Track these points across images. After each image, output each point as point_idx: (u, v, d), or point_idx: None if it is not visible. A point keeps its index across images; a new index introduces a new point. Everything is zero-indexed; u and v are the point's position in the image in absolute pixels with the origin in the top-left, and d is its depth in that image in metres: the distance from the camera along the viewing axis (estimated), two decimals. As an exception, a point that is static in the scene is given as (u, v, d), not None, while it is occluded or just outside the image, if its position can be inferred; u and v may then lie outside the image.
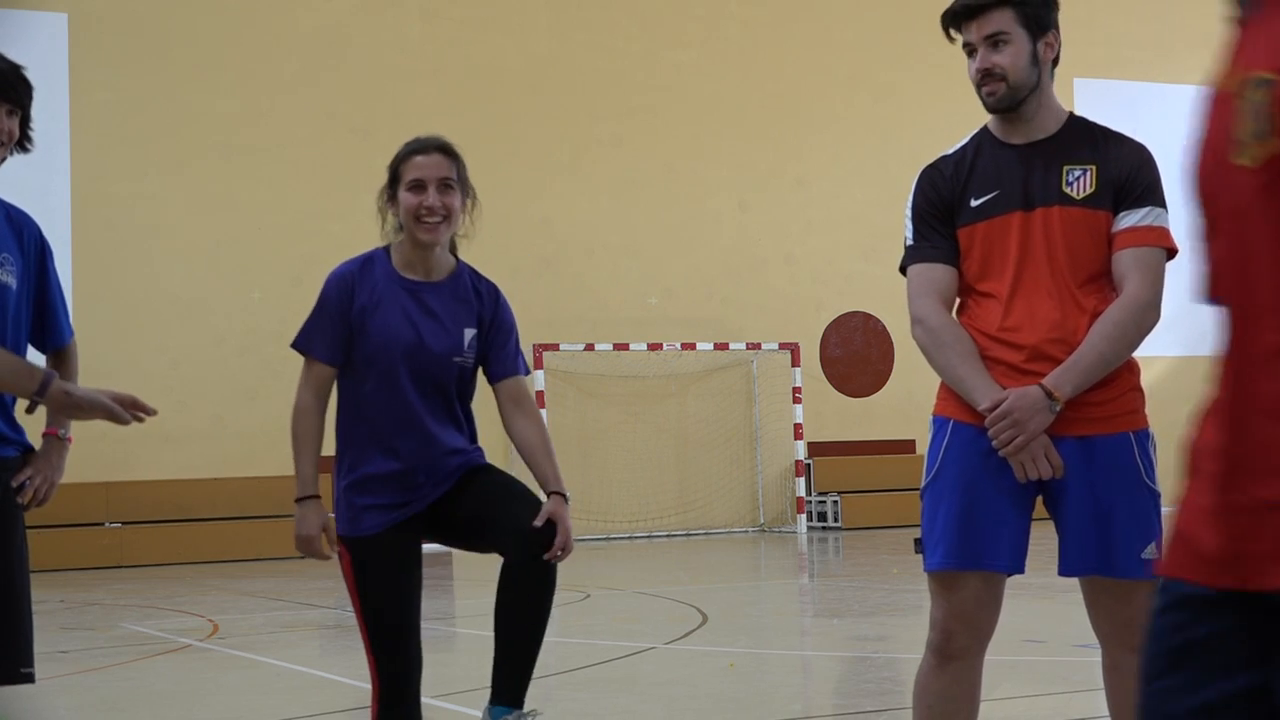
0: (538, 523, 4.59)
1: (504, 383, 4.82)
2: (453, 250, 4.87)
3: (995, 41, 4.33)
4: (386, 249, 4.78)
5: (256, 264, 22.63)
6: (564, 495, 4.72)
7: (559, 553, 4.63)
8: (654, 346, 24.16)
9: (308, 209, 22.84)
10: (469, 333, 4.70)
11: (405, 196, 4.64)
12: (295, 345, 4.78)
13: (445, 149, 4.70)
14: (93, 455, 19.48)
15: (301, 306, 20.47)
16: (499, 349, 4.77)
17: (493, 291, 4.85)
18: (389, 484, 4.69)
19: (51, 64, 20.90)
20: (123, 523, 21.17)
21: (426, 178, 4.62)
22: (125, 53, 22.31)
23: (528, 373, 4.92)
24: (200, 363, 22.23)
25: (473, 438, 4.87)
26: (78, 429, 5.03)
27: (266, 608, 14.69)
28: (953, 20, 4.40)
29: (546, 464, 4.79)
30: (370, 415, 4.68)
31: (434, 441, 4.70)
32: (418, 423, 4.67)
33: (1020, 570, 4.34)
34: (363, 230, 22.76)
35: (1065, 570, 4.34)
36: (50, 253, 4.96)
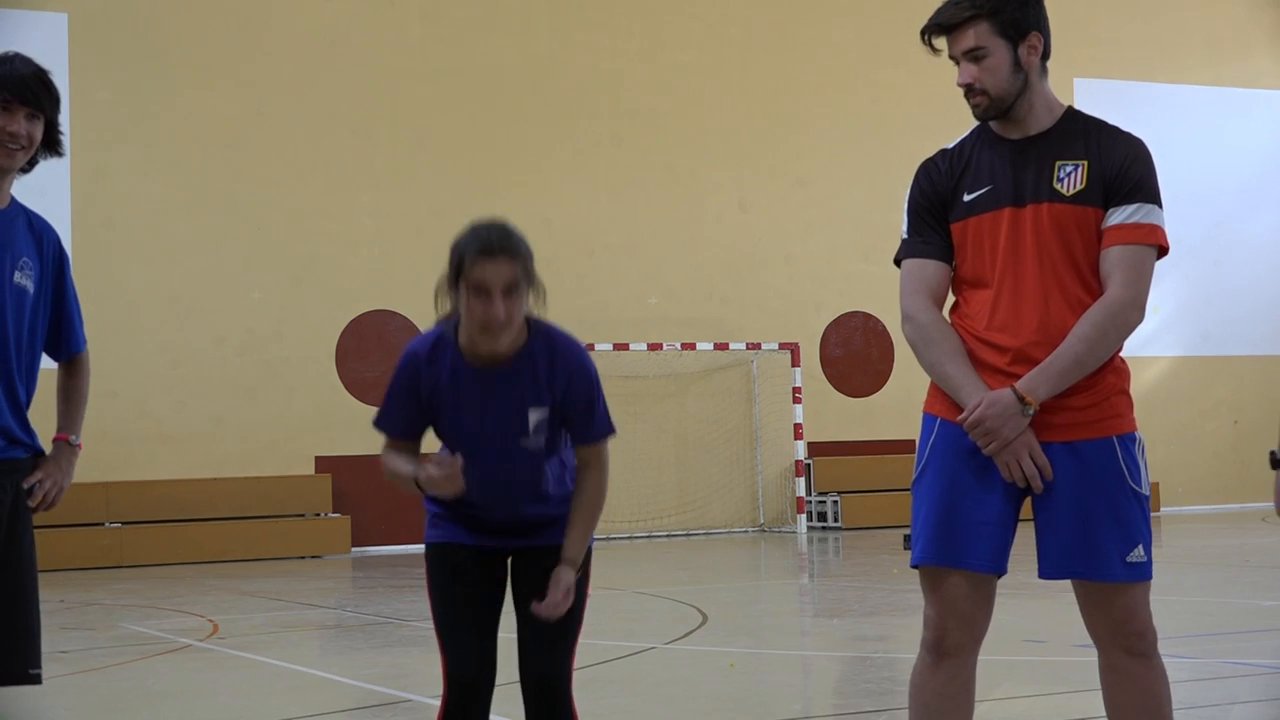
0: (542, 603, 4.57)
1: (579, 449, 4.73)
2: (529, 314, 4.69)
3: (973, 56, 4.34)
4: (455, 324, 4.61)
5: (256, 264, 22.62)
6: (573, 564, 4.63)
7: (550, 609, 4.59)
8: (654, 346, 24.17)
9: (307, 209, 22.84)
10: (535, 415, 4.59)
11: (470, 301, 4.44)
12: (375, 425, 4.72)
13: (511, 250, 4.44)
14: (93, 455, 19.45)
15: (301, 306, 20.31)
16: (573, 422, 4.67)
17: (567, 367, 4.63)
18: (459, 509, 4.69)
19: (52, 64, 20.78)
20: (122, 523, 21.17)
21: (491, 285, 4.42)
22: (125, 53, 22.32)
23: (607, 436, 4.73)
24: (200, 363, 22.23)
25: (566, 482, 4.77)
26: (77, 429, 5.07)
27: (266, 608, 14.69)
28: (929, 35, 4.43)
29: (573, 531, 4.67)
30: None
31: (513, 501, 4.67)
32: (492, 486, 4.63)
33: (1002, 571, 4.34)
34: (362, 230, 22.63)
35: (1045, 572, 4.34)
36: (68, 262, 5.06)
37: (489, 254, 4.40)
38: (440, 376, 4.59)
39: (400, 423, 4.66)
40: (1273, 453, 5.16)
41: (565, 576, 4.60)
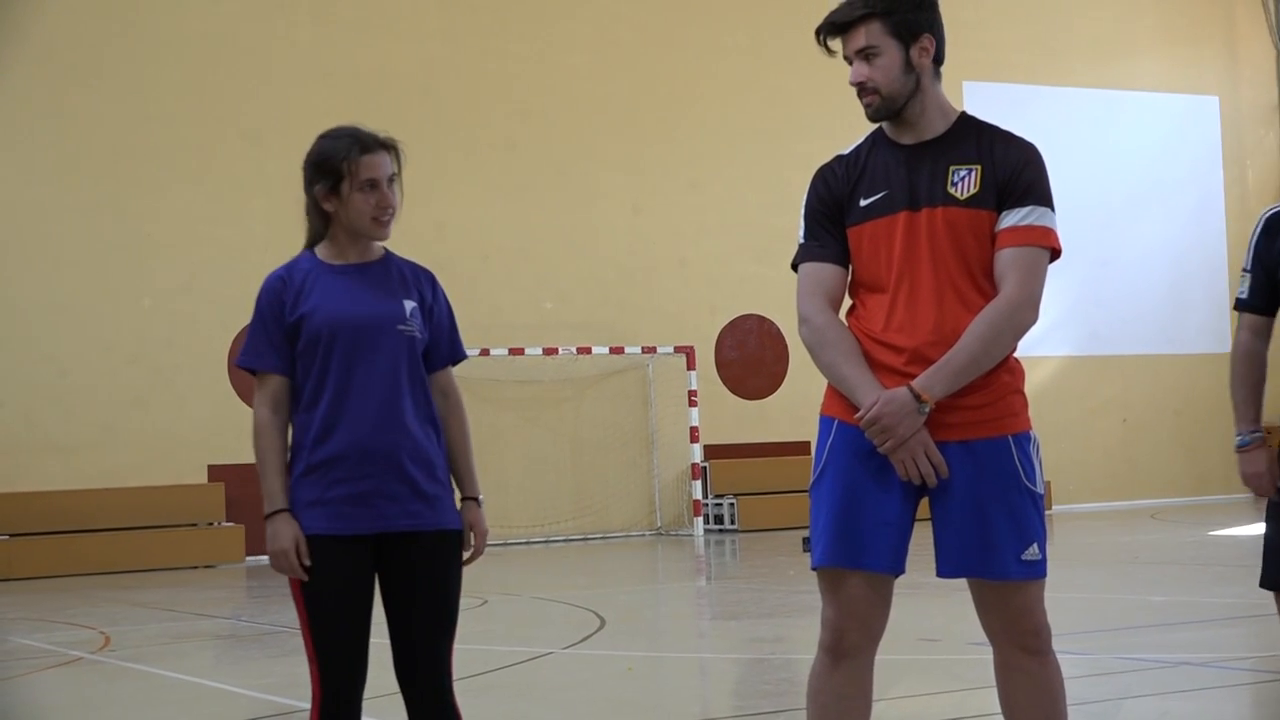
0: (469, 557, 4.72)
1: (435, 374, 4.76)
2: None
3: (865, 55, 4.37)
4: (311, 251, 4.71)
5: (146, 271, 22.33)
6: (477, 500, 4.74)
7: (477, 557, 4.75)
8: (549, 351, 24.13)
9: (197, 214, 22.59)
10: (409, 303, 4.64)
11: (357, 197, 4.59)
12: (241, 364, 4.70)
13: (390, 146, 4.67)
14: (-21, 466, 19.19)
15: (191, 312, 20.06)
16: (436, 335, 4.72)
17: (429, 275, 4.80)
18: (333, 470, 4.55)
19: (-67, 69, 20.54)
20: (10, 534, 20.82)
21: (380, 177, 4.59)
22: (5, 56, 21.96)
23: (463, 358, 4.85)
24: (89, 371, 21.92)
25: (437, 448, 4.69)
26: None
27: (159, 619, 14.51)
28: (823, 36, 4.45)
29: (463, 467, 4.77)
30: (318, 401, 4.57)
31: (385, 427, 4.57)
32: (365, 400, 4.56)
33: (901, 571, 4.37)
34: (253, 235, 22.41)
35: (943, 571, 4.37)
36: None
37: (371, 149, 4.61)
38: (304, 283, 4.65)
39: (267, 352, 4.65)
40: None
41: (475, 516, 4.74)
